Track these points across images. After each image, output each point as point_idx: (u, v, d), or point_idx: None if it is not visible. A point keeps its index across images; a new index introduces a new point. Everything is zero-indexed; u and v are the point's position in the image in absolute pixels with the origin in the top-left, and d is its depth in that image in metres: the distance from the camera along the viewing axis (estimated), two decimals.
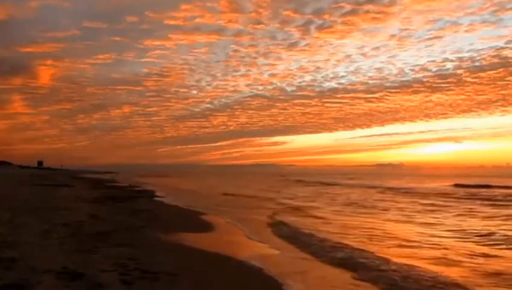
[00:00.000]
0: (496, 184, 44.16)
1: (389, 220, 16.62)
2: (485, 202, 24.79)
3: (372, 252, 9.75)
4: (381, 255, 9.49)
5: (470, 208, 21.20)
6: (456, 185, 45.28)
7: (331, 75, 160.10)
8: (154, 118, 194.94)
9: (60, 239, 9.56)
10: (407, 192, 35.73)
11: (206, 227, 13.82)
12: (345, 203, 24.18)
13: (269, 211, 19.17)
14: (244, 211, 19.52)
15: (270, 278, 7.42)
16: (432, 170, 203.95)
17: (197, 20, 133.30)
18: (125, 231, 11.53)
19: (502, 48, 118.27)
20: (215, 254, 9.41)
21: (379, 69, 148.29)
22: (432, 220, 16.37)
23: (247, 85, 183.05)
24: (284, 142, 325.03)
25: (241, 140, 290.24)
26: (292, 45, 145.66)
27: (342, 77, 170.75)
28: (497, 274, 8.02)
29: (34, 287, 5.73)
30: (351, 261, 8.85)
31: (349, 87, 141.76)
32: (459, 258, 9.39)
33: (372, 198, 28.78)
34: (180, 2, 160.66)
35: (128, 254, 8.29)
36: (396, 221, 16.27)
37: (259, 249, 10.23)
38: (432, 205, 23.36)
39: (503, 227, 14.51)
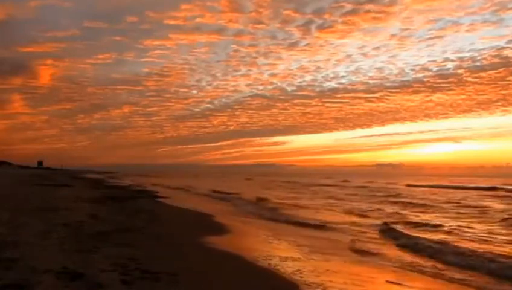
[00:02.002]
0: (464, 185, 46.12)
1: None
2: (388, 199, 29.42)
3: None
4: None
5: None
6: (408, 185, 49.36)
7: (332, 75, 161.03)
8: (154, 118, 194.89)
9: (60, 239, 9.55)
10: (347, 187, 46.86)
11: (208, 228, 13.81)
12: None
13: None
14: None
15: (272, 278, 7.42)
16: (431, 170, 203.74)
17: (197, 20, 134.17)
18: (125, 231, 11.51)
19: (503, 47, 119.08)
20: (217, 254, 9.41)
21: (379, 69, 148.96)
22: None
23: (248, 85, 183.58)
24: (284, 142, 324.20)
25: (241, 140, 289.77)
26: (292, 45, 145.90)
27: (343, 76, 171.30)
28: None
29: (34, 287, 5.73)
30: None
31: (350, 87, 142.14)
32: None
33: (323, 191, 39.30)
34: (180, 1, 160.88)
35: (128, 254, 8.28)
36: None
37: (267, 251, 10.23)
38: (351, 194, 34.48)
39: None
